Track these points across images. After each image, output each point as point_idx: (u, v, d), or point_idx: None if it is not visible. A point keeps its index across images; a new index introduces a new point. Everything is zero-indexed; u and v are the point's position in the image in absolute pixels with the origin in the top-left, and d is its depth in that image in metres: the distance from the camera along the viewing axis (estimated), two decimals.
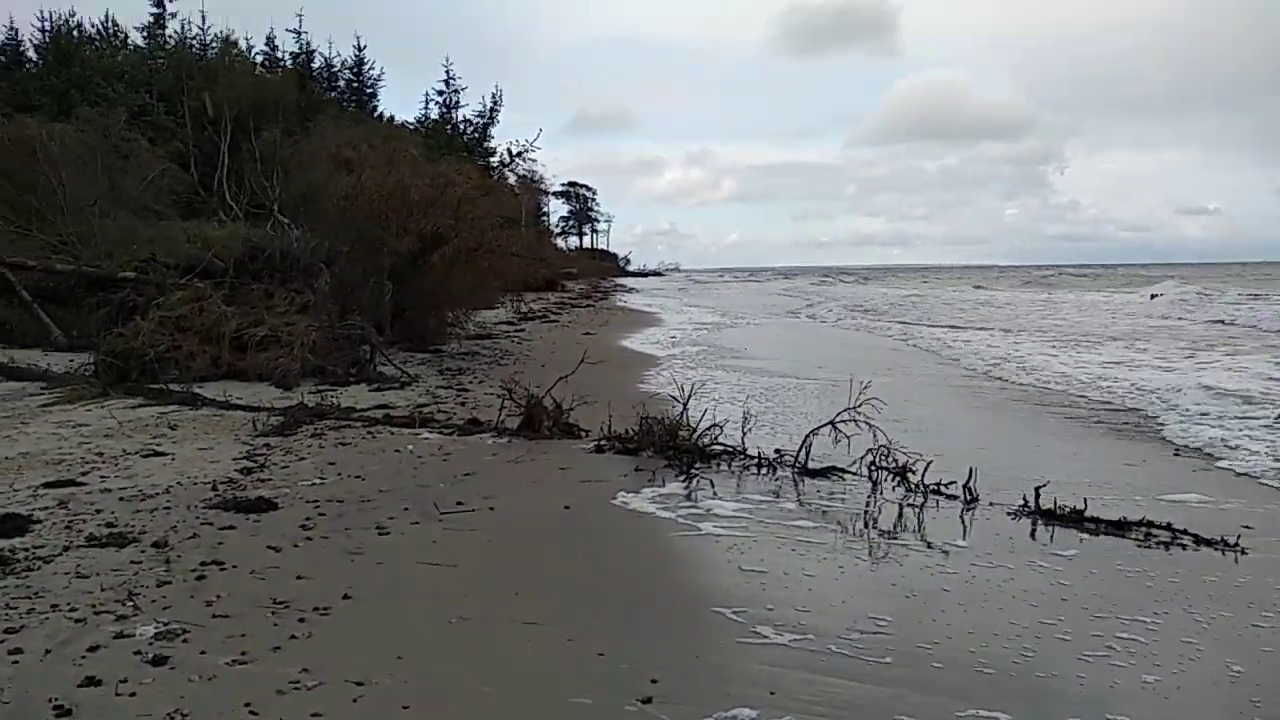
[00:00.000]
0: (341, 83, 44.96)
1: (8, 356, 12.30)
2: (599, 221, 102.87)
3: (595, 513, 6.23)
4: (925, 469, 6.71)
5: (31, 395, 10.22)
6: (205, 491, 6.38)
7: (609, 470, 7.35)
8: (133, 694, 3.42)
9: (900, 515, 6.29)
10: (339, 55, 44.15)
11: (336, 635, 4.02)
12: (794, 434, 8.06)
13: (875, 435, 7.03)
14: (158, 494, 6.30)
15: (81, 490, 6.35)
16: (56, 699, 3.34)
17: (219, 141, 26.91)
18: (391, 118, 42.47)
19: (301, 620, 4.14)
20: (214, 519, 5.70)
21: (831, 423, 7.36)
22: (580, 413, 8.72)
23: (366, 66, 45.53)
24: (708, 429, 7.73)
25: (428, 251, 15.28)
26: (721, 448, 7.64)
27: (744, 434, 7.74)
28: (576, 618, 4.33)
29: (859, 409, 7.22)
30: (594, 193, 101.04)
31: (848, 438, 7.24)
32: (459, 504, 6.17)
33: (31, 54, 34.89)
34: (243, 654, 3.76)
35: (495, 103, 49.21)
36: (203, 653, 3.77)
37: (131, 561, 4.86)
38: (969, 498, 6.44)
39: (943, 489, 6.60)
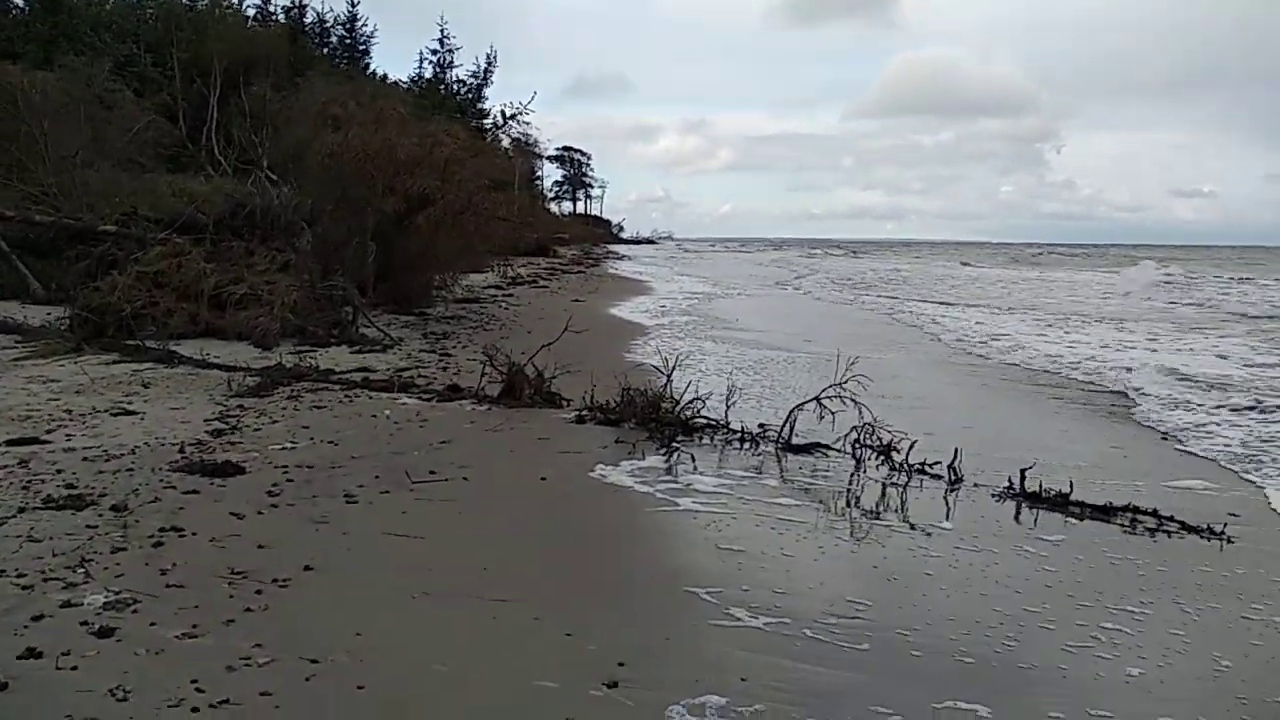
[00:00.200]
0: (334, 39, 44.50)
1: None
2: (593, 187, 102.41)
3: (572, 486, 6.07)
4: (910, 448, 6.57)
5: (4, 349, 10.00)
6: (173, 453, 6.20)
7: (589, 441, 7.19)
8: (74, 667, 3.26)
9: (883, 495, 6.16)
10: (332, 11, 43.78)
11: (294, 609, 3.86)
12: (780, 408, 7.92)
13: (861, 412, 6.90)
14: (123, 455, 6.12)
15: (45, 449, 6.17)
16: None
17: (208, 95, 26.49)
18: (384, 76, 42.01)
19: (259, 592, 3.98)
20: (178, 482, 5.53)
21: (817, 399, 7.23)
22: (563, 381, 8.55)
23: (359, 23, 45.08)
24: (691, 401, 7.57)
25: (413, 212, 15.00)
26: (705, 421, 7.49)
27: (728, 407, 7.59)
28: (546, 596, 4.18)
29: (845, 385, 7.08)
30: (589, 158, 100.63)
31: (833, 414, 7.11)
32: (432, 473, 6.01)
33: (18, 0, 34.15)
34: (194, 627, 3.61)
35: (490, 64, 48.91)
36: (152, 624, 3.61)
37: (88, 526, 4.69)
38: (954, 478, 6.31)
39: (927, 469, 6.47)
